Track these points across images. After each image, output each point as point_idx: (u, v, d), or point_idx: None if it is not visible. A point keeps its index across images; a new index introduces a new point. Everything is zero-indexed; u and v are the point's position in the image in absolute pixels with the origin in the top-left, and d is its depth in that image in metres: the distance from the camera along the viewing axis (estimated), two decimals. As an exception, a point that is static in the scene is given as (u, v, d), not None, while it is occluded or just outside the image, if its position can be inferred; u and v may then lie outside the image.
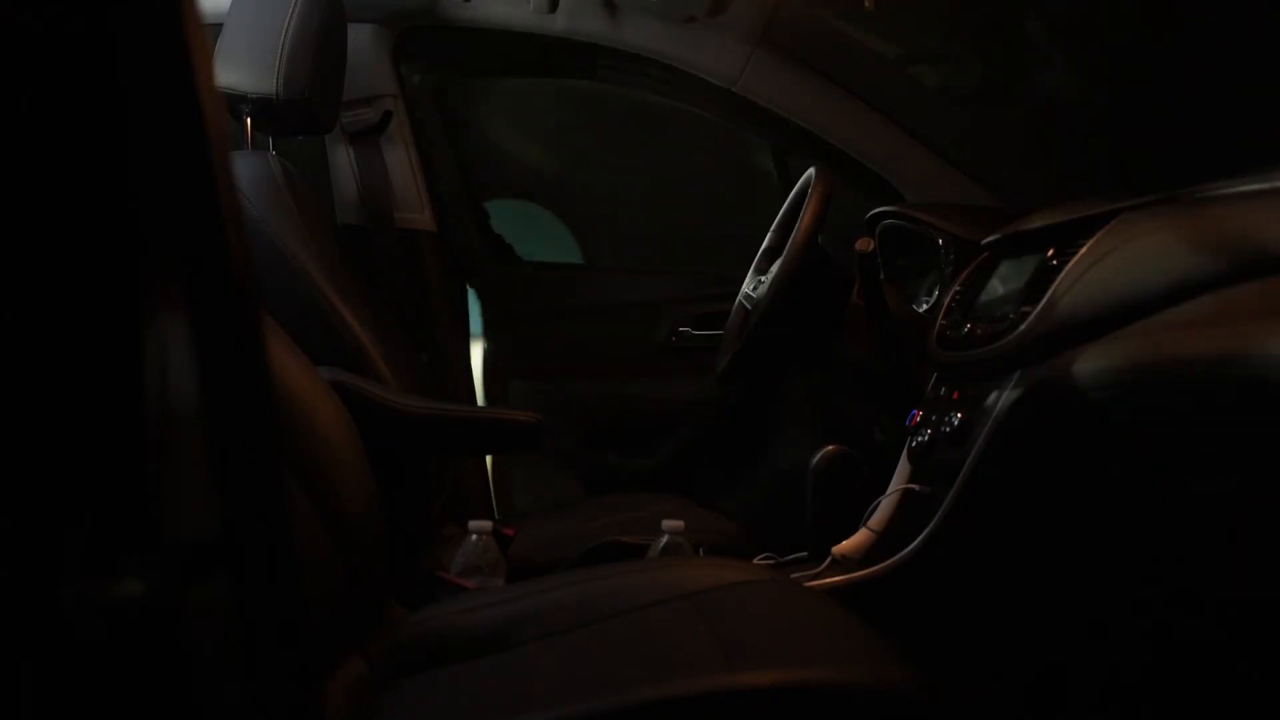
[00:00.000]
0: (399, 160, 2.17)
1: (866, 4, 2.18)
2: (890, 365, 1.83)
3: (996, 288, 1.58)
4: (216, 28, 1.84)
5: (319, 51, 1.80)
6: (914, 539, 1.54)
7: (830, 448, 1.71)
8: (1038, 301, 1.36)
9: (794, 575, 1.58)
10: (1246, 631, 1.37)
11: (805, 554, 1.71)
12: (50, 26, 0.41)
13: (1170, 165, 1.72)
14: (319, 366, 1.39)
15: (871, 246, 1.79)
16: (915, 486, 1.61)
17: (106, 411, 0.44)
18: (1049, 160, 2.16)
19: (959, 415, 1.50)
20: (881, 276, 1.83)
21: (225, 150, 0.47)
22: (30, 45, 0.41)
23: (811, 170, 1.89)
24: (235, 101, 1.81)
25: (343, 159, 2.15)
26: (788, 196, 1.97)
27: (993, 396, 1.46)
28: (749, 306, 1.94)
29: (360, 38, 2.13)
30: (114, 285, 0.44)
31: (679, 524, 1.57)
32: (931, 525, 1.52)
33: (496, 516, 2.29)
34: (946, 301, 1.69)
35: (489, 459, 2.42)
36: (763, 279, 1.92)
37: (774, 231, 2.03)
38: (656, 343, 2.46)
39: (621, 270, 2.67)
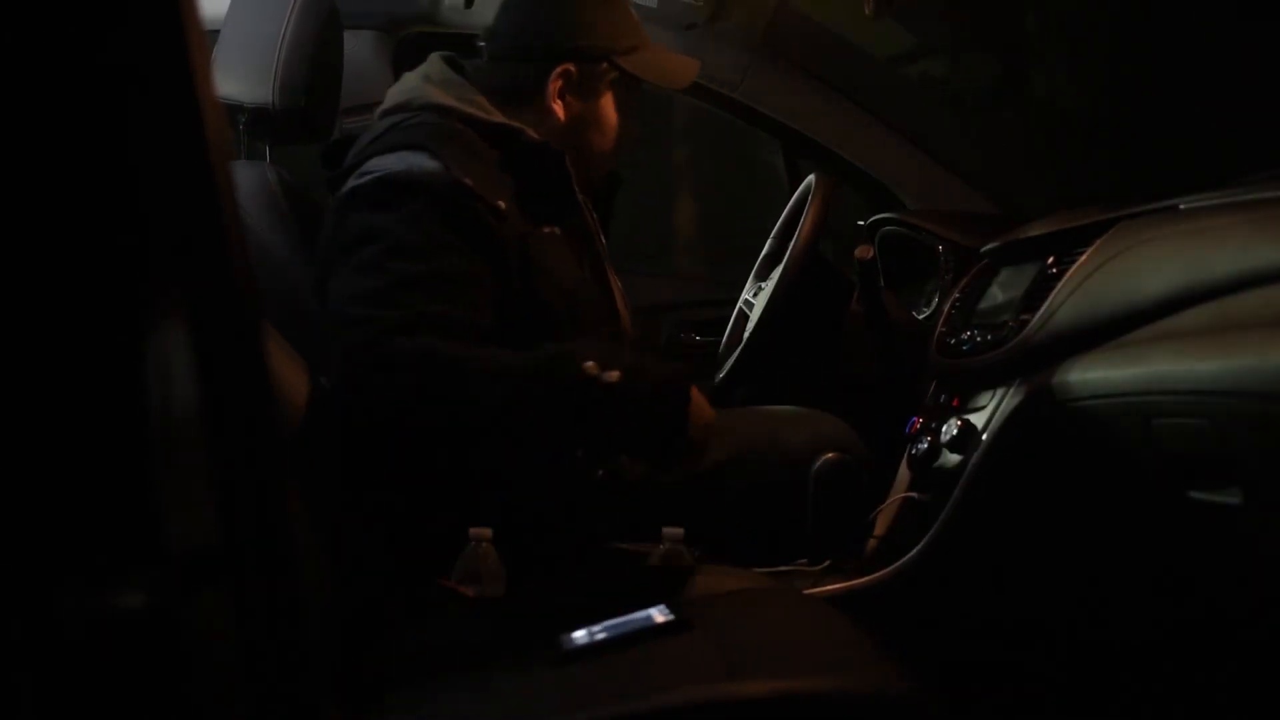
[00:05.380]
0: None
1: (866, 10, 2.19)
2: (890, 372, 1.83)
3: (996, 295, 1.58)
4: (211, 36, 1.83)
5: (315, 60, 1.79)
6: (914, 547, 1.54)
7: (830, 455, 1.71)
8: (1037, 309, 1.36)
9: (794, 583, 1.57)
10: (1248, 638, 1.37)
11: (805, 562, 1.71)
12: (55, 42, 0.42)
13: (1170, 173, 1.72)
14: (319, 376, 1.39)
15: (871, 254, 1.79)
16: (915, 494, 1.61)
17: (110, 421, 0.45)
18: (1049, 168, 2.17)
19: (959, 423, 1.50)
20: (881, 283, 1.83)
21: (226, 161, 0.47)
22: (35, 58, 0.41)
23: (812, 176, 1.89)
24: (231, 111, 1.80)
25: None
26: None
27: (992, 404, 1.46)
28: (749, 312, 1.94)
29: (361, 44, 2.12)
30: (117, 295, 0.44)
31: (679, 531, 1.57)
32: (931, 533, 1.52)
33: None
34: (946, 309, 1.69)
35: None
36: (763, 285, 1.92)
37: (774, 238, 2.03)
38: (656, 348, 2.45)
39: (620, 274, 2.66)
